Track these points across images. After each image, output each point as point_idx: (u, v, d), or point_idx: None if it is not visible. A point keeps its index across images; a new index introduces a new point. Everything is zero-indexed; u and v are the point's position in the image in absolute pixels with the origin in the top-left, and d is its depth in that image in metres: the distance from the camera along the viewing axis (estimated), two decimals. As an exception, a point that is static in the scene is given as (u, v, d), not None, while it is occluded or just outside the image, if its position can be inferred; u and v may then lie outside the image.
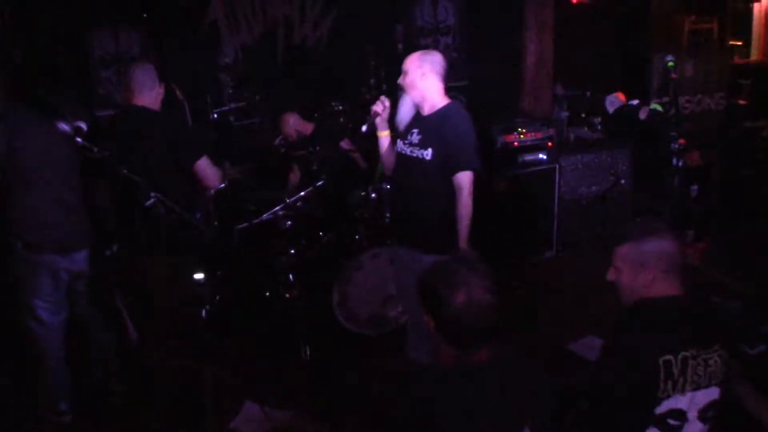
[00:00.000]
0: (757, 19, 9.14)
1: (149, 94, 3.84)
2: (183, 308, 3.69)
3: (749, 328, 3.36)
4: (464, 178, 3.54)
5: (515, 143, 5.81)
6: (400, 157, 3.77)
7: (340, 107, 6.08)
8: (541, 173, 5.94)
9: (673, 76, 5.09)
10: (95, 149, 3.36)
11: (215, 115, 6.09)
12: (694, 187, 6.44)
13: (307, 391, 4.20)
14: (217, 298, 4.47)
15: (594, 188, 6.24)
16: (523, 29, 6.83)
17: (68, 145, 3.51)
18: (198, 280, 2.97)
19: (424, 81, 3.61)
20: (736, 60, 8.47)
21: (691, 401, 2.24)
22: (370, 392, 4.09)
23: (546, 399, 2.19)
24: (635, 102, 6.62)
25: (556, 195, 6.02)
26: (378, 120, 3.79)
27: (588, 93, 7.01)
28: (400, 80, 3.69)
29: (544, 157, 5.91)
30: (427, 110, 3.68)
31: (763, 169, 6.87)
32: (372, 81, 6.63)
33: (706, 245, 5.58)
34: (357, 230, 4.78)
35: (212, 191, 4.38)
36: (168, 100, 4.17)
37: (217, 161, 4.07)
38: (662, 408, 2.21)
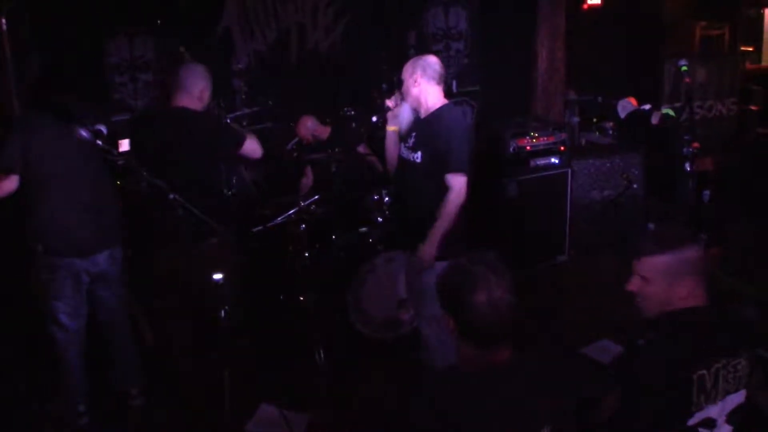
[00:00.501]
0: (768, 26, 9.16)
1: (190, 95, 3.93)
2: (201, 309, 3.71)
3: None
4: (453, 181, 3.51)
5: (528, 147, 5.82)
6: (400, 160, 3.82)
7: (353, 112, 6.10)
8: (554, 177, 5.95)
9: (687, 80, 5.10)
10: (115, 152, 3.41)
11: (228, 120, 6.13)
12: (707, 192, 6.43)
13: (321, 394, 4.22)
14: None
15: (606, 193, 6.24)
16: (535, 35, 6.86)
17: (87, 150, 3.57)
18: (217, 281, 2.98)
19: (417, 87, 3.63)
20: (748, 66, 8.46)
21: (722, 408, 2.22)
22: (386, 395, 4.11)
23: (566, 400, 2.20)
24: (647, 107, 6.63)
25: (569, 199, 6.02)
26: (389, 114, 3.86)
27: (600, 98, 7.03)
28: (402, 87, 3.73)
29: (557, 161, 5.92)
30: (423, 114, 3.71)
31: (775, 174, 6.87)
32: (384, 86, 6.66)
33: (719, 251, 5.57)
34: (371, 234, 4.79)
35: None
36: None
37: (231, 166, 4.14)
38: (694, 420, 2.18)
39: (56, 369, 3.86)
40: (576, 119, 6.72)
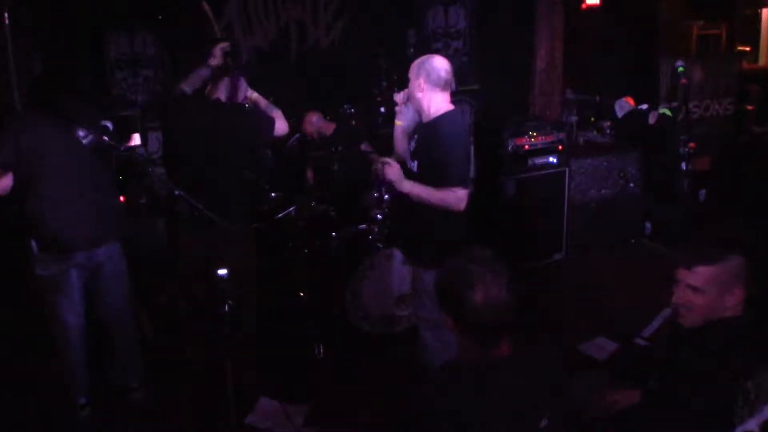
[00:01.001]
0: (765, 25, 9.20)
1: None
2: (205, 303, 3.76)
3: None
4: (452, 193, 3.38)
5: (526, 146, 5.86)
6: (402, 165, 3.68)
7: (352, 110, 6.13)
8: (551, 176, 6.00)
9: (683, 81, 5.14)
10: (121, 147, 3.45)
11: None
12: (703, 191, 6.50)
13: (320, 388, 4.26)
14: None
15: (603, 191, 6.30)
16: (533, 34, 6.89)
17: (81, 149, 3.58)
18: (222, 275, 3.02)
19: (420, 92, 3.48)
20: (744, 66, 8.51)
21: (758, 419, 2.19)
22: (384, 389, 4.16)
23: (564, 394, 2.24)
24: (644, 106, 6.68)
25: (566, 198, 6.07)
26: (396, 108, 3.77)
27: (598, 97, 7.06)
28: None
29: (555, 160, 5.97)
30: (425, 119, 3.58)
31: (771, 174, 6.93)
32: (383, 84, 6.68)
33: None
34: (370, 231, 4.83)
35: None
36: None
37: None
38: None
39: (57, 362, 3.91)
40: (574, 118, 6.75)
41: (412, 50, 7.29)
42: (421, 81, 3.46)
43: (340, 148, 4.86)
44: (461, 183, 3.40)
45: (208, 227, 3.60)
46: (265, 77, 6.81)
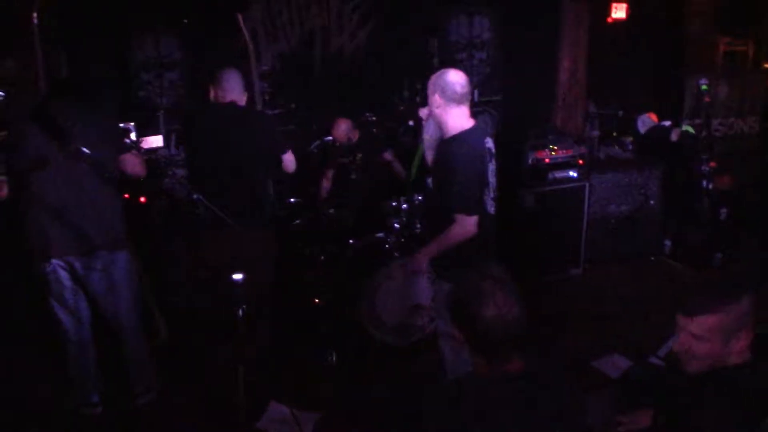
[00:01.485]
0: (793, 44, 9.09)
1: (241, 94, 4.09)
2: (219, 307, 3.79)
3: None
4: (457, 218, 3.34)
5: (546, 160, 5.84)
6: (426, 187, 3.81)
7: (374, 118, 6.16)
8: (571, 190, 5.96)
9: (706, 99, 5.11)
10: (141, 150, 3.49)
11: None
12: (724, 210, 6.44)
13: (332, 395, 4.27)
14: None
15: (623, 207, 6.26)
16: (557, 46, 6.88)
17: (79, 158, 3.60)
18: (236, 280, 3.04)
19: (437, 108, 3.42)
20: (771, 83, 8.42)
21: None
22: (395, 399, 4.15)
23: (576, 411, 2.23)
24: (667, 123, 6.63)
25: (585, 212, 6.03)
26: (423, 123, 3.79)
27: (620, 112, 7.02)
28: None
29: (575, 174, 5.94)
30: (444, 135, 3.51)
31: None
32: (406, 93, 6.71)
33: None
34: (387, 239, 4.84)
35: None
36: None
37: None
38: None
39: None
40: (595, 132, 6.72)
41: (435, 59, 7.31)
42: (437, 97, 3.38)
43: (360, 156, 4.88)
44: (466, 210, 3.32)
45: (226, 230, 3.63)
46: (288, 83, 6.89)
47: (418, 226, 4.90)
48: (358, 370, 4.52)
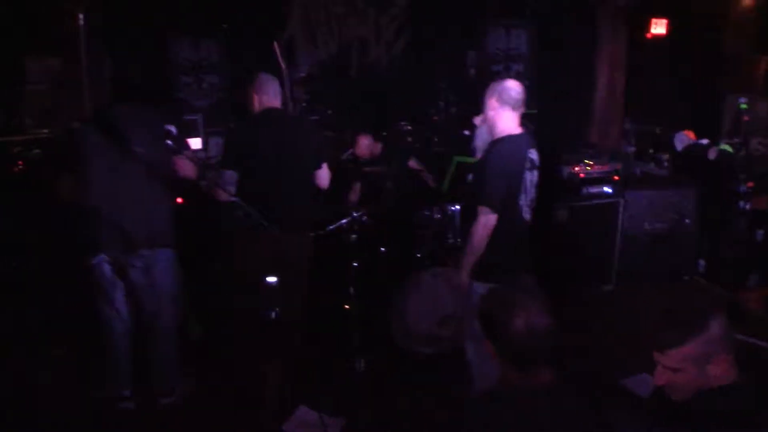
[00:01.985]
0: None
1: (279, 99, 4.21)
2: (253, 309, 3.83)
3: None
4: (479, 212, 3.48)
5: (581, 174, 5.82)
6: (467, 183, 3.89)
7: (408, 127, 6.18)
8: (605, 206, 5.92)
9: (745, 118, 5.05)
10: (184, 152, 3.59)
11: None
12: (760, 232, 6.34)
13: (358, 401, 4.27)
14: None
15: (657, 225, 6.19)
16: (594, 61, 6.85)
17: (132, 160, 3.75)
18: (270, 283, 3.08)
19: (492, 111, 3.61)
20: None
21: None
22: (422, 407, 4.15)
23: (604, 429, 2.21)
24: (705, 141, 6.56)
25: (619, 229, 5.98)
26: (476, 131, 3.96)
27: (658, 129, 6.97)
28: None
29: (610, 190, 5.90)
30: (493, 137, 3.69)
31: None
32: (441, 104, 6.72)
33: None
34: (419, 248, 4.85)
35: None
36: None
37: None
38: None
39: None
40: (631, 149, 6.68)
41: (471, 71, 7.32)
42: (494, 100, 3.58)
43: (391, 165, 4.90)
44: (487, 203, 3.46)
45: (263, 233, 3.69)
46: (325, 91, 6.95)
47: (450, 236, 4.90)
48: (386, 378, 4.52)
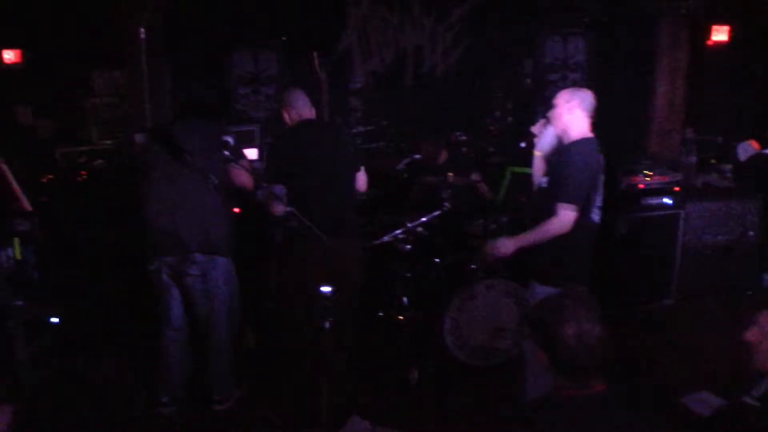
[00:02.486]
0: None
1: (311, 111, 4.32)
2: (307, 319, 3.87)
3: None
4: (559, 209, 3.48)
5: (640, 185, 5.71)
6: (539, 187, 3.85)
7: (464, 137, 6.17)
8: (665, 218, 5.80)
9: (813, 127, 4.88)
10: (240, 161, 3.68)
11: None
12: (826, 246, 6.12)
13: (412, 413, 4.26)
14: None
15: (719, 238, 6.03)
16: (654, 69, 6.73)
17: (192, 171, 3.87)
18: (325, 293, 3.11)
19: (570, 115, 3.62)
20: None
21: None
22: (473, 421, 4.12)
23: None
24: (770, 151, 6.38)
25: (679, 242, 5.85)
26: (535, 139, 3.90)
27: (720, 139, 6.79)
28: (548, 113, 3.75)
29: (670, 201, 5.77)
30: (565, 142, 3.70)
31: None
32: (497, 113, 6.69)
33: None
34: (474, 260, 4.82)
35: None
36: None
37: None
38: None
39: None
40: (693, 159, 6.51)
41: (528, 80, 7.27)
42: (575, 105, 3.60)
43: (450, 175, 4.88)
44: (569, 200, 3.47)
45: (316, 243, 3.72)
46: (380, 101, 6.99)
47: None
48: (439, 390, 4.51)
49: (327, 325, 3.20)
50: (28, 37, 6.33)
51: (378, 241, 4.80)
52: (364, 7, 7.15)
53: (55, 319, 4.57)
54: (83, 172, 5.89)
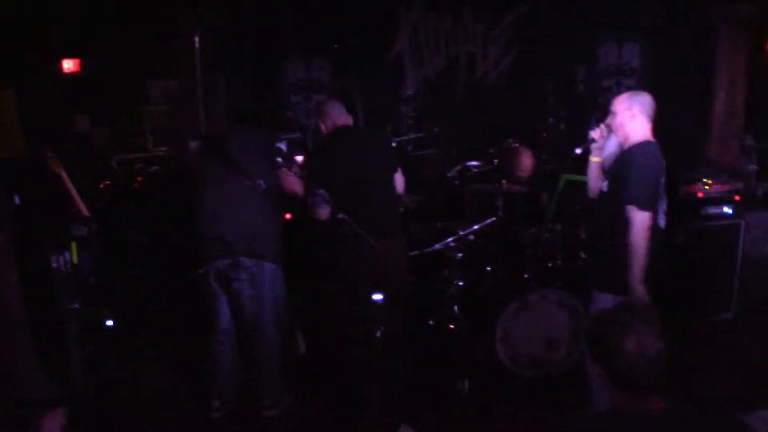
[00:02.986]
0: None
1: (348, 118, 4.51)
2: (357, 326, 3.86)
3: None
4: (631, 213, 3.46)
5: (698, 194, 5.56)
6: (600, 192, 3.82)
7: (516, 144, 6.10)
8: (725, 228, 5.62)
9: None
10: (292, 167, 3.77)
11: (394, 144, 6.33)
12: None
13: (462, 423, 4.21)
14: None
15: (783, 249, 5.83)
16: (712, 75, 6.56)
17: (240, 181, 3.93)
18: (376, 301, 3.10)
19: (632, 121, 3.61)
20: None
21: None
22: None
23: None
24: (834, 159, 6.16)
25: (739, 252, 5.66)
26: (593, 145, 3.85)
27: (782, 146, 6.58)
28: (608, 121, 3.70)
29: (729, 211, 5.60)
30: (626, 146, 3.68)
31: None
32: (550, 120, 6.61)
33: None
34: (526, 269, 4.75)
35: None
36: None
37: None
38: None
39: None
40: (753, 167, 6.32)
41: (581, 86, 7.17)
42: (636, 110, 3.60)
43: (504, 182, 4.82)
44: (639, 201, 3.44)
45: (367, 248, 3.73)
46: (432, 108, 6.98)
47: (559, 258, 4.80)
48: (489, 401, 4.45)
49: (377, 333, 3.19)
50: (86, 47, 6.49)
51: (429, 249, 4.76)
52: (416, 14, 7.15)
53: (109, 323, 4.66)
54: (139, 179, 6.01)
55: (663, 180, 3.62)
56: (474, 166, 5.56)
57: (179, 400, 4.42)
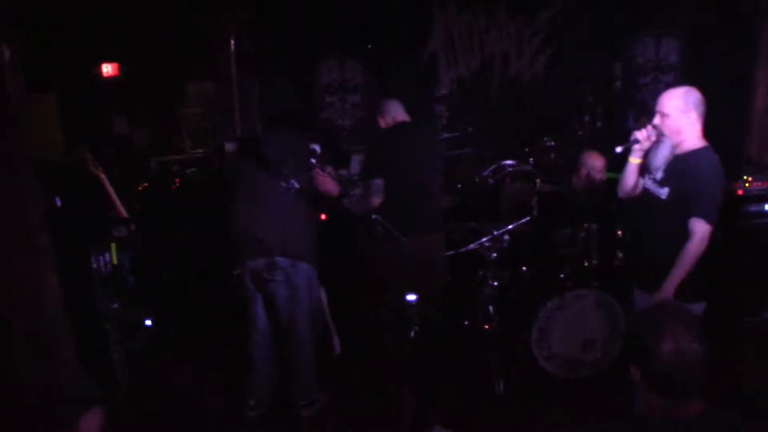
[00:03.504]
0: None
1: (405, 115, 4.66)
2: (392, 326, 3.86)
3: None
4: (697, 226, 3.35)
5: (739, 192, 5.45)
6: (643, 193, 3.67)
7: (552, 143, 6.05)
8: (765, 226, 5.51)
9: None
10: (327, 169, 3.88)
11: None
12: None
13: (497, 424, 4.19)
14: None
15: (827, 247, 5.69)
16: (752, 71, 6.44)
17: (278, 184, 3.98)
18: (410, 301, 3.10)
19: (689, 125, 3.43)
20: None
21: None
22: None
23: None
24: None
25: (781, 251, 5.54)
26: (636, 146, 3.59)
27: (825, 142, 6.43)
28: (656, 122, 3.49)
29: (771, 208, 5.50)
30: (679, 150, 3.49)
31: None
32: (587, 118, 6.54)
33: None
34: (562, 269, 4.71)
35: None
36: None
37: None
38: None
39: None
40: (797, 164, 6.20)
41: (618, 84, 7.08)
42: (692, 112, 3.43)
43: (538, 182, 4.79)
44: (708, 216, 3.36)
45: (401, 249, 3.74)
46: (466, 107, 6.95)
47: (595, 258, 4.74)
48: (525, 402, 4.42)
49: (411, 333, 3.18)
50: (124, 50, 6.59)
51: (464, 249, 4.74)
52: (450, 13, 7.13)
53: (148, 322, 4.72)
54: (176, 180, 6.09)
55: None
56: (509, 166, 5.51)
57: (215, 399, 4.46)
